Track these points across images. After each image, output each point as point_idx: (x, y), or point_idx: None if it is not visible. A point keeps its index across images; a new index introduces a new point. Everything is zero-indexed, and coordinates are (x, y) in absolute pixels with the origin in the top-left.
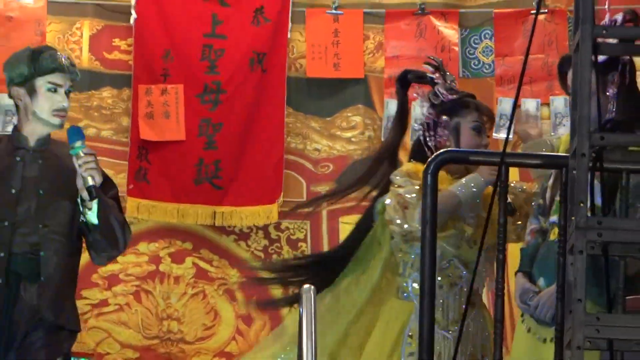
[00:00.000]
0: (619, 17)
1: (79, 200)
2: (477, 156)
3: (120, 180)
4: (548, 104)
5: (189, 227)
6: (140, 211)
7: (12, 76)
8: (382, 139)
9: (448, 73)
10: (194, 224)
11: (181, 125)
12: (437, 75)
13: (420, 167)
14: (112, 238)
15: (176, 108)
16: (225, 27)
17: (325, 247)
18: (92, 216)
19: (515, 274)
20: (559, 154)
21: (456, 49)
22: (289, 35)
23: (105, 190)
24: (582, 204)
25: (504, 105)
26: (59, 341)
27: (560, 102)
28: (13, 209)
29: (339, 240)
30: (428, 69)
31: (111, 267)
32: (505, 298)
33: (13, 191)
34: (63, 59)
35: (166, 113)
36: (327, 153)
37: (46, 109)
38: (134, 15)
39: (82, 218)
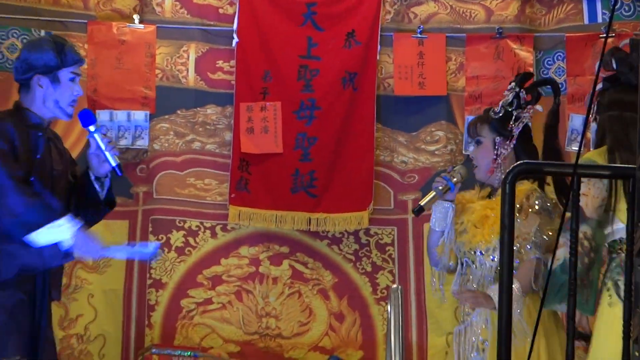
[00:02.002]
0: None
1: (92, 177)
2: (551, 167)
3: (223, 189)
4: None
5: (286, 233)
6: (241, 218)
7: (36, 65)
8: (463, 152)
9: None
10: (291, 230)
11: (279, 139)
12: None
13: None
14: (102, 214)
15: (274, 123)
16: (319, 49)
17: (411, 251)
18: (101, 193)
19: None
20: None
21: (531, 69)
22: (378, 57)
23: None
24: None
25: (575, 121)
26: None
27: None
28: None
29: (423, 244)
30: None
31: (215, 269)
32: None
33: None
34: (75, 52)
35: (265, 128)
36: (412, 165)
37: (66, 98)
38: (236, 39)
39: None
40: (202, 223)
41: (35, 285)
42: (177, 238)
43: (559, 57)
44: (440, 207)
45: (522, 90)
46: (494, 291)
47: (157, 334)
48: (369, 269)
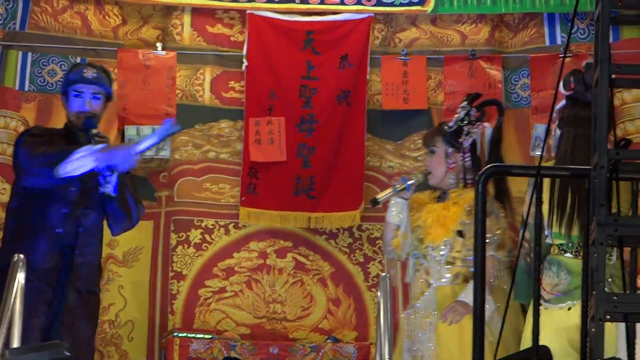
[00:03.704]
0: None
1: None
2: (518, 169)
3: (235, 193)
4: None
5: (290, 229)
6: (250, 218)
7: (62, 89)
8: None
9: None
10: (294, 227)
11: (283, 149)
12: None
13: None
14: (127, 209)
15: (279, 136)
16: (317, 71)
17: None
18: (111, 189)
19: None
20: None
21: (500, 85)
22: (368, 77)
23: None
24: (602, 206)
25: (539, 130)
26: None
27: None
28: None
29: None
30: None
31: (228, 262)
32: None
33: None
34: (89, 73)
35: (271, 139)
36: (399, 169)
37: (74, 110)
38: (245, 62)
39: (101, 190)
40: (217, 222)
41: (58, 277)
42: (195, 235)
43: (524, 75)
44: (396, 203)
45: (472, 108)
46: (466, 296)
47: (178, 319)
48: (361, 259)
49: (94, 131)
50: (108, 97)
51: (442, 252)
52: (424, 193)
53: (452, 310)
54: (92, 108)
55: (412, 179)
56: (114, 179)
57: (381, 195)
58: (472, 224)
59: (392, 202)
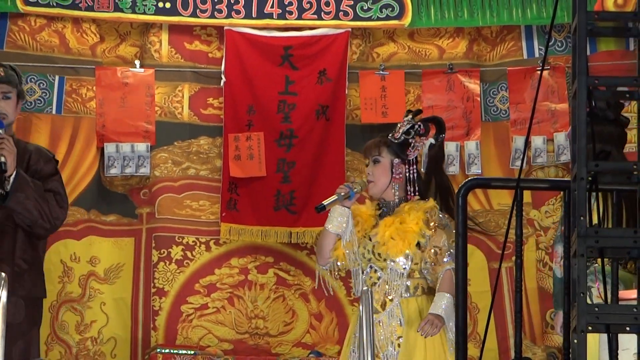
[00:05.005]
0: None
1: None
2: (497, 182)
3: (215, 209)
4: (552, 140)
5: (271, 245)
6: (231, 234)
7: None
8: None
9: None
10: (275, 242)
11: (262, 164)
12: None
13: None
14: (24, 209)
15: (258, 151)
16: (296, 86)
17: None
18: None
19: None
20: (562, 179)
21: (478, 99)
22: (346, 91)
23: (39, 165)
24: (582, 217)
25: (518, 142)
26: None
27: (562, 136)
28: None
29: None
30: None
31: (210, 278)
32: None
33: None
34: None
35: (250, 155)
36: None
37: None
38: (223, 79)
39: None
40: (197, 238)
41: None
42: (176, 252)
43: (503, 88)
44: (339, 211)
45: (418, 123)
46: (440, 310)
47: (161, 336)
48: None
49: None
50: (20, 96)
51: (403, 266)
52: (365, 204)
53: (429, 323)
54: (2, 109)
55: (355, 187)
56: (11, 179)
57: (327, 201)
58: (431, 236)
59: (337, 211)
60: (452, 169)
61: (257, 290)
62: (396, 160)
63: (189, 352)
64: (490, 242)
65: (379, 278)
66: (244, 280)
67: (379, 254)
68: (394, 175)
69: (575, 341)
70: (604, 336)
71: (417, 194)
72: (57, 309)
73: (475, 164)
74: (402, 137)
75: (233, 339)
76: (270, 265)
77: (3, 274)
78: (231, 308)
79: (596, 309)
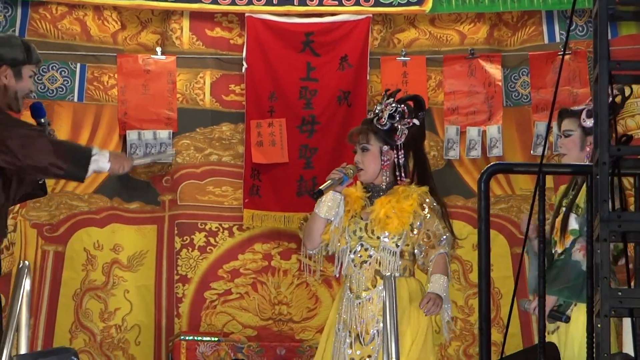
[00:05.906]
0: None
1: None
2: (520, 167)
3: (238, 195)
4: None
5: (293, 231)
6: (254, 220)
7: (5, 58)
8: (444, 157)
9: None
10: (297, 228)
11: (285, 150)
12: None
13: None
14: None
15: (280, 137)
16: (317, 72)
17: None
18: None
19: None
20: (585, 163)
21: (500, 84)
22: (368, 77)
23: None
24: (605, 202)
25: (539, 127)
26: None
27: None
28: None
29: None
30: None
31: (233, 264)
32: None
33: None
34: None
35: (273, 141)
36: None
37: (25, 91)
38: (245, 65)
39: None
40: (220, 225)
41: None
42: (199, 238)
43: (524, 73)
44: (330, 196)
45: (400, 105)
46: (441, 290)
47: (184, 323)
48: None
49: None
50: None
51: (397, 243)
52: (355, 187)
53: (431, 301)
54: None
55: (347, 172)
56: None
57: (324, 186)
58: (425, 219)
59: (328, 196)
60: (474, 153)
61: (280, 276)
62: (385, 148)
63: (213, 339)
64: (513, 227)
65: (369, 256)
66: (267, 266)
67: (372, 231)
68: (383, 163)
69: (599, 325)
70: (628, 320)
71: (406, 176)
72: (81, 297)
73: (497, 147)
74: (388, 124)
75: (257, 325)
76: (293, 251)
77: (27, 262)
78: (255, 294)
79: (619, 294)
